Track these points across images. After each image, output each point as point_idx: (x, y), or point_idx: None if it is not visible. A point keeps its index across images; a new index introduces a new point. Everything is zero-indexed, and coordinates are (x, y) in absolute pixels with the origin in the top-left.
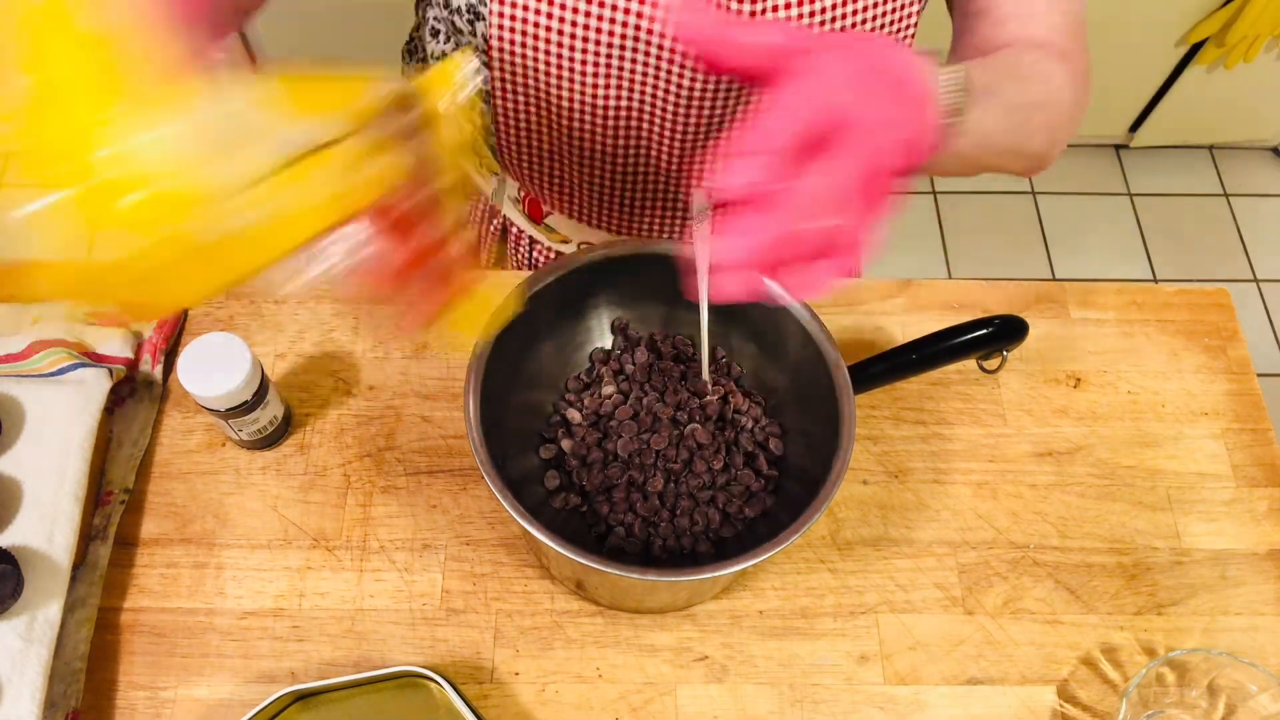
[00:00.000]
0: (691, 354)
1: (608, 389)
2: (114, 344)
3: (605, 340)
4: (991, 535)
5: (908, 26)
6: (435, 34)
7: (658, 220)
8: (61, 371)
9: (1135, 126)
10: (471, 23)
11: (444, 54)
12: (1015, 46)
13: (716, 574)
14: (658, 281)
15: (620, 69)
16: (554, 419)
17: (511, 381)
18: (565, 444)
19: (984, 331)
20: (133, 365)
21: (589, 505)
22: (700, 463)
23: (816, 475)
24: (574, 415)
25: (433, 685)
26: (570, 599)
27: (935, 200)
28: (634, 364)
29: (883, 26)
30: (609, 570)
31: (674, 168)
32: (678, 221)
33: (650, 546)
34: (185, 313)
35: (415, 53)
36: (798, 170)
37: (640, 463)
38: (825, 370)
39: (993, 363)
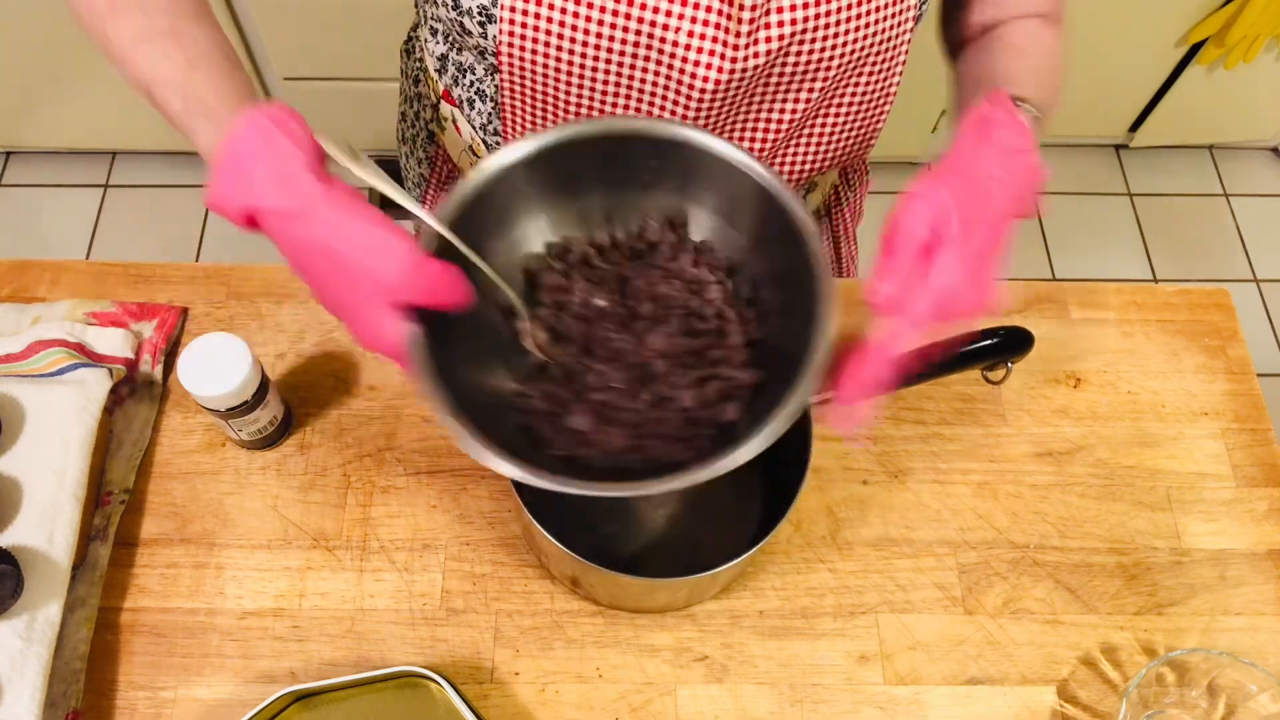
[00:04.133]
0: (655, 239)
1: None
2: (114, 344)
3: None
4: (991, 535)
5: (907, 22)
6: (434, 33)
7: None
8: (61, 371)
9: (1135, 126)
10: (483, 25)
11: (443, 55)
12: (1016, 22)
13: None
14: (591, 169)
15: (630, 74)
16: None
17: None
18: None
19: (989, 343)
20: (133, 365)
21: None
22: (664, 339)
23: (798, 356)
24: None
25: (433, 685)
26: (570, 599)
27: None
28: (580, 272)
29: (886, 20)
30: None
31: None
32: None
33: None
34: (185, 312)
35: (413, 52)
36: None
37: (601, 359)
38: (801, 247)
39: (997, 374)
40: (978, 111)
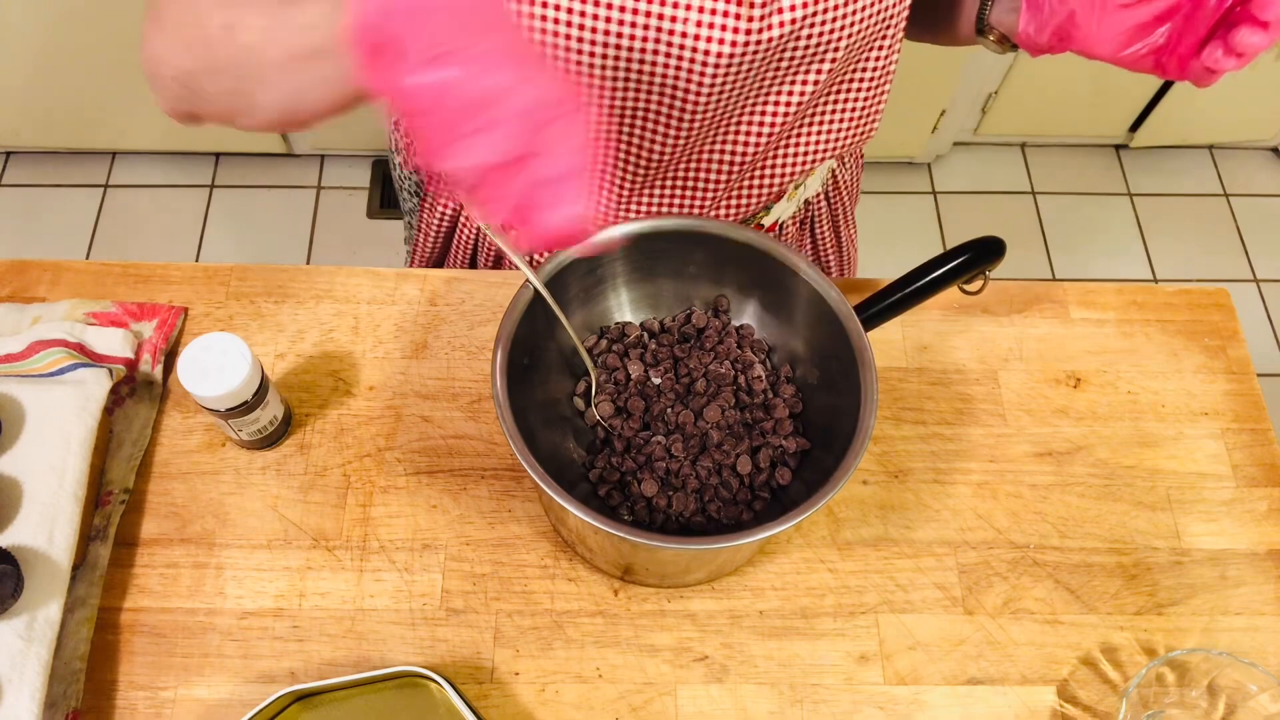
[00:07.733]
0: (701, 324)
1: (634, 368)
2: (114, 344)
3: (623, 316)
4: (991, 535)
5: (901, 13)
6: None
7: (653, 208)
8: (61, 371)
9: (1135, 126)
10: None
11: None
12: None
13: (771, 531)
14: (664, 259)
15: (640, 70)
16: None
17: (531, 371)
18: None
19: (964, 258)
20: (133, 365)
21: (621, 483)
22: (720, 435)
23: (844, 427)
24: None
25: (433, 685)
26: (570, 599)
27: (935, 200)
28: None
29: (880, 14)
30: (656, 544)
31: (675, 159)
32: (670, 208)
33: (690, 523)
34: (185, 312)
35: None
36: None
37: (660, 432)
38: (844, 337)
39: (974, 285)
40: None
